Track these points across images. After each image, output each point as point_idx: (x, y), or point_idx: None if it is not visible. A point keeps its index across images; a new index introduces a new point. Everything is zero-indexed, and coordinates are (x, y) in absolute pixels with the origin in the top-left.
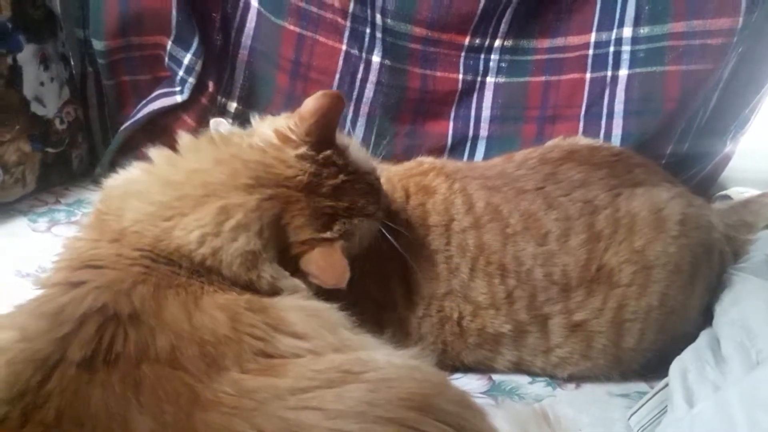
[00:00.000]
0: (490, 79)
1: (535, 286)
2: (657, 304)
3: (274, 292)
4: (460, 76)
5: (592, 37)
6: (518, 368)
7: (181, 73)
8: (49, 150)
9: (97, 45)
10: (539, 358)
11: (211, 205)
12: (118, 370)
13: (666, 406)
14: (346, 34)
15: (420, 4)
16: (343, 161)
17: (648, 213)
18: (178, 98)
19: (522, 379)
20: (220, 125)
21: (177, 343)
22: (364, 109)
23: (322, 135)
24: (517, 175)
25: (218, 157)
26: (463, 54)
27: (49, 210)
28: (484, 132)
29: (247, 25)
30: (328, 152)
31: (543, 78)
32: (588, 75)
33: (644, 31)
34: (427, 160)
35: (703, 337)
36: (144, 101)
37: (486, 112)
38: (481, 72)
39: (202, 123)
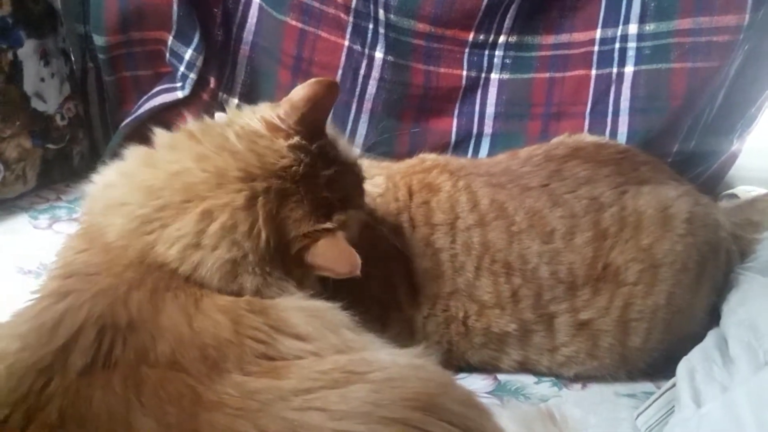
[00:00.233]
0: (494, 76)
1: (541, 285)
2: (664, 303)
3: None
4: (464, 73)
5: (598, 33)
6: (524, 368)
7: (182, 68)
8: (50, 146)
9: (98, 40)
10: (545, 357)
11: (192, 211)
12: (119, 372)
13: (673, 407)
14: (349, 29)
15: None
16: (335, 151)
17: (655, 211)
18: (179, 94)
19: (528, 379)
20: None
21: (177, 348)
22: (367, 105)
23: (314, 124)
24: (521, 172)
25: (200, 152)
26: (466, 50)
27: (50, 207)
28: (488, 129)
29: (249, 20)
30: (322, 142)
31: (548, 75)
32: (593, 72)
33: (650, 27)
34: (430, 157)
35: (711, 336)
36: (145, 97)
37: (490, 109)
38: (485, 68)
39: (203, 119)
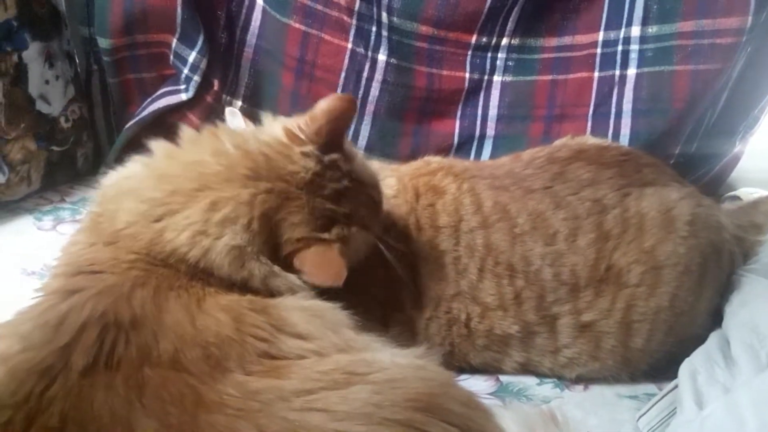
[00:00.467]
0: (497, 78)
1: (544, 287)
2: (666, 305)
3: (271, 292)
4: (467, 75)
5: (600, 35)
6: (526, 369)
7: (186, 71)
8: (55, 148)
9: (103, 43)
10: (547, 358)
11: (202, 201)
12: (121, 373)
13: (675, 408)
14: (352, 32)
15: (426, 2)
16: (349, 168)
17: (657, 213)
18: (183, 96)
19: (530, 381)
20: (234, 115)
21: (180, 346)
22: (370, 108)
23: (331, 137)
24: (524, 174)
25: (219, 148)
26: (469, 52)
27: (55, 208)
28: (490, 131)
29: (252, 23)
30: (335, 155)
31: (550, 77)
32: (596, 74)
33: (653, 30)
34: (435, 160)
35: (713, 338)
36: (149, 99)
37: (493, 111)
38: (487, 71)
39: (207, 121)
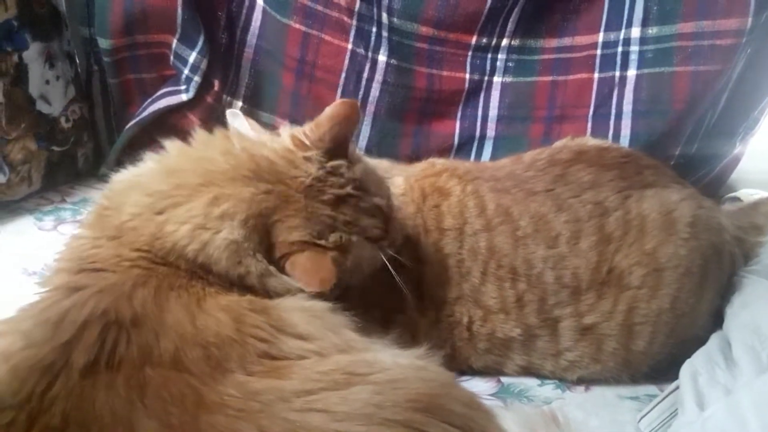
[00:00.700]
0: (497, 79)
1: (546, 290)
2: (668, 307)
3: (268, 293)
4: (467, 76)
5: (600, 37)
6: (527, 372)
7: (186, 71)
8: (55, 148)
9: (103, 43)
10: (549, 361)
11: (205, 195)
12: (122, 373)
13: (676, 409)
14: (352, 33)
15: (426, 3)
16: (353, 175)
17: (658, 215)
18: (184, 97)
19: (531, 382)
20: (236, 116)
21: (180, 346)
22: (370, 108)
23: (335, 143)
24: (526, 176)
25: (228, 148)
26: (469, 53)
27: (55, 208)
28: (491, 132)
29: (253, 23)
30: (339, 162)
31: (550, 78)
32: (596, 75)
33: (653, 31)
34: (439, 161)
35: (714, 340)
36: (149, 100)
37: (493, 112)
38: (488, 71)
39: (207, 122)
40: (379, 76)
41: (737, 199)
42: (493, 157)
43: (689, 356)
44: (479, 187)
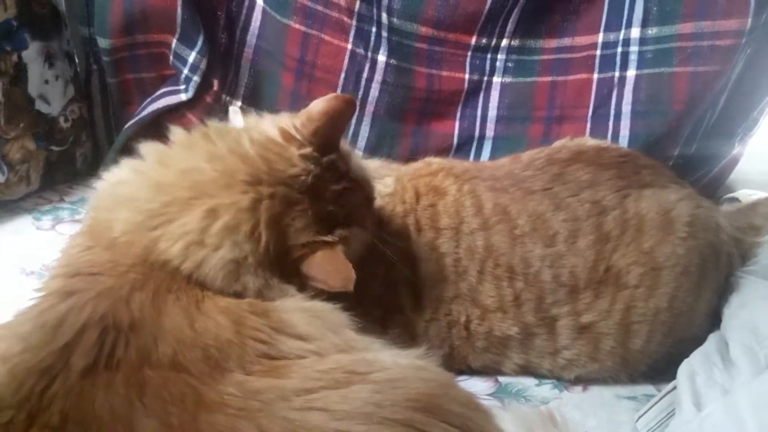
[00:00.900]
0: (496, 79)
1: (543, 288)
2: (665, 306)
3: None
4: (467, 76)
5: (600, 37)
6: (525, 371)
7: (185, 71)
8: (54, 148)
9: (102, 43)
10: (546, 360)
11: (198, 209)
12: (121, 373)
13: (674, 409)
14: (352, 33)
15: (426, 3)
16: (346, 168)
17: (656, 214)
18: (183, 96)
19: (529, 382)
20: (237, 114)
21: (179, 348)
22: (369, 108)
23: (329, 138)
24: (524, 175)
25: (213, 152)
26: (469, 54)
27: (54, 208)
28: (490, 132)
29: (252, 23)
30: (333, 156)
31: (550, 78)
32: (595, 75)
33: (652, 31)
34: (436, 161)
35: (712, 340)
36: (148, 99)
37: (492, 112)
38: (487, 72)
39: (206, 121)
40: (378, 76)
41: (736, 199)
42: (492, 157)
43: (687, 356)
44: (476, 187)
